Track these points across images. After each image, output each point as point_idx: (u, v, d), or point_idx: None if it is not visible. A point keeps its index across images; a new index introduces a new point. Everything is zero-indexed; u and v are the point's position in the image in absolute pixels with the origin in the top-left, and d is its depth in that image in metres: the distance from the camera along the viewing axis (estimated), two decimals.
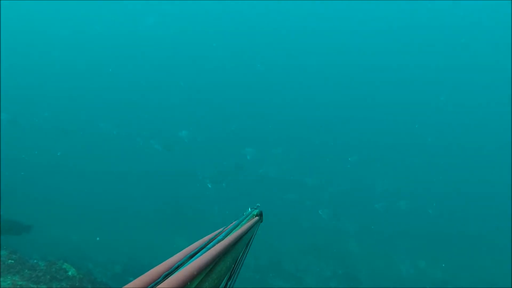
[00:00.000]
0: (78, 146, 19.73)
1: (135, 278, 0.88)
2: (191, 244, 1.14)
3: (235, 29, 34.43)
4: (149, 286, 0.88)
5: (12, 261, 7.31)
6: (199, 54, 32.82)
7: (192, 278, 0.94)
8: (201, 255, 1.04)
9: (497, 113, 28.45)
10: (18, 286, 6.55)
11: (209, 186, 13.35)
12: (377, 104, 29.45)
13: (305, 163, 20.92)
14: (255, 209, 1.64)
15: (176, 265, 0.98)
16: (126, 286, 0.85)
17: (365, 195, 18.60)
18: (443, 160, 24.48)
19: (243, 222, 1.46)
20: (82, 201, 14.91)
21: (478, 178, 22.94)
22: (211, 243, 1.15)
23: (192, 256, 1.04)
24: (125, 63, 31.06)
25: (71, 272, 8.02)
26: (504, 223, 17.74)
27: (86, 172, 17.42)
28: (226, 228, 1.34)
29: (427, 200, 18.15)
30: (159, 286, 0.87)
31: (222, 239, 1.21)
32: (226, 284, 1.29)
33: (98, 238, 12.26)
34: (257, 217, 1.58)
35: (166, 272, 0.94)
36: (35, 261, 7.90)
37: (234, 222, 1.44)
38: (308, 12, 33.80)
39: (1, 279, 6.53)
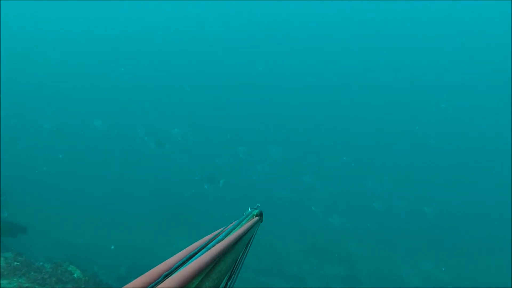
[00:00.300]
0: (79, 147, 19.92)
1: None
2: (191, 244, 1.15)
3: (234, 30, 34.63)
4: (149, 286, 0.88)
5: (18, 263, 7.36)
6: (199, 54, 33.04)
7: (192, 278, 0.94)
8: (201, 255, 1.04)
9: (498, 114, 28.38)
10: None
11: (206, 187, 13.33)
12: (378, 105, 29.48)
13: (304, 163, 20.98)
14: (255, 209, 1.64)
15: (176, 265, 0.99)
16: (126, 286, 0.85)
17: (367, 196, 18.57)
18: (445, 161, 24.49)
19: (243, 222, 1.47)
20: (84, 203, 14.96)
21: (479, 179, 22.95)
22: (211, 243, 1.16)
23: (192, 256, 1.05)
24: (125, 63, 31.28)
25: (77, 274, 8.06)
26: (505, 224, 17.77)
27: (87, 174, 17.51)
28: (226, 228, 1.34)
29: (430, 201, 18.13)
30: (159, 286, 0.88)
31: (222, 239, 1.21)
32: (226, 284, 1.29)
33: (112, 247, 12.15)
34: (257, 217, 1.58)
35: (166, 272, 0.95)
36: (40, 263, 7.94)
37: (234, 222, 1.45)
38: (307, 13, 33.92)
39: (7, 281, 6.58)
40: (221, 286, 1.12)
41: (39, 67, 30.00)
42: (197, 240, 1.18)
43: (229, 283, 1.30)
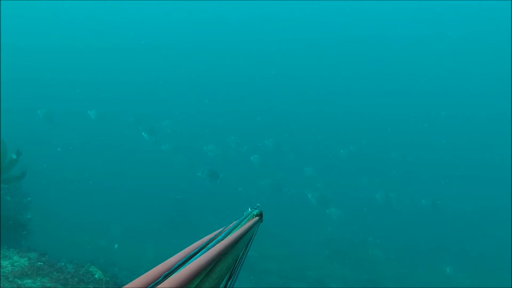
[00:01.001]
0: (89, 150, 20.47)
1: None
2: (191, 244, 1.15)
3: (231, 30, 34.78)
4: (149, 286, 0.89)
5: (42, 263, 7.59)
6: (200, 54, 33.33)
7: (192, 278, 0.94)
8: (201, 255, 1.05)
9: (499, 115, 27.69)
10: None
11: (206, 185, 13.33)
12: (386, 106, 29.29)
13: (309, 162, 20.83)
14: (255, 209, 1.64)
15: (176, 265, 0.99)
16: (125, 286, 0.86)
17: (383, 199, 18.27)
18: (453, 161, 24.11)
19: (243, 222, 1.47)
20: (90, 207, 15.20)
21: (484, 182, 22.50)
22: (211, 243, 1.16)
23: (192, 256, 1.05)
24: (130, 61, 31.79)
25: (98, 275, 8.20)
26: (506, 224, 17.37)
27: (88, 174, 17.84)
28: (226, 228, 1.34)
29: (449, 203, 17.83)
30: (159, 286, 0.88)
31: (222, 239, 1.21)
32: (226, 284, 1.29)
33: (116, 246, 12.31)
34: (257, 217, 1.58)
35: (166, 272, 0.95)
36: (63, 263, 8.14)
37: (234, 222, 1.45)
38: (309, 15, 33.81)
39: (31, 280, 6.80)
40: (221, 286, 1.12)
41: (41, 60, 30.74)
42: (197, 240, 1.18)
43: (229, 283, 1.30)
